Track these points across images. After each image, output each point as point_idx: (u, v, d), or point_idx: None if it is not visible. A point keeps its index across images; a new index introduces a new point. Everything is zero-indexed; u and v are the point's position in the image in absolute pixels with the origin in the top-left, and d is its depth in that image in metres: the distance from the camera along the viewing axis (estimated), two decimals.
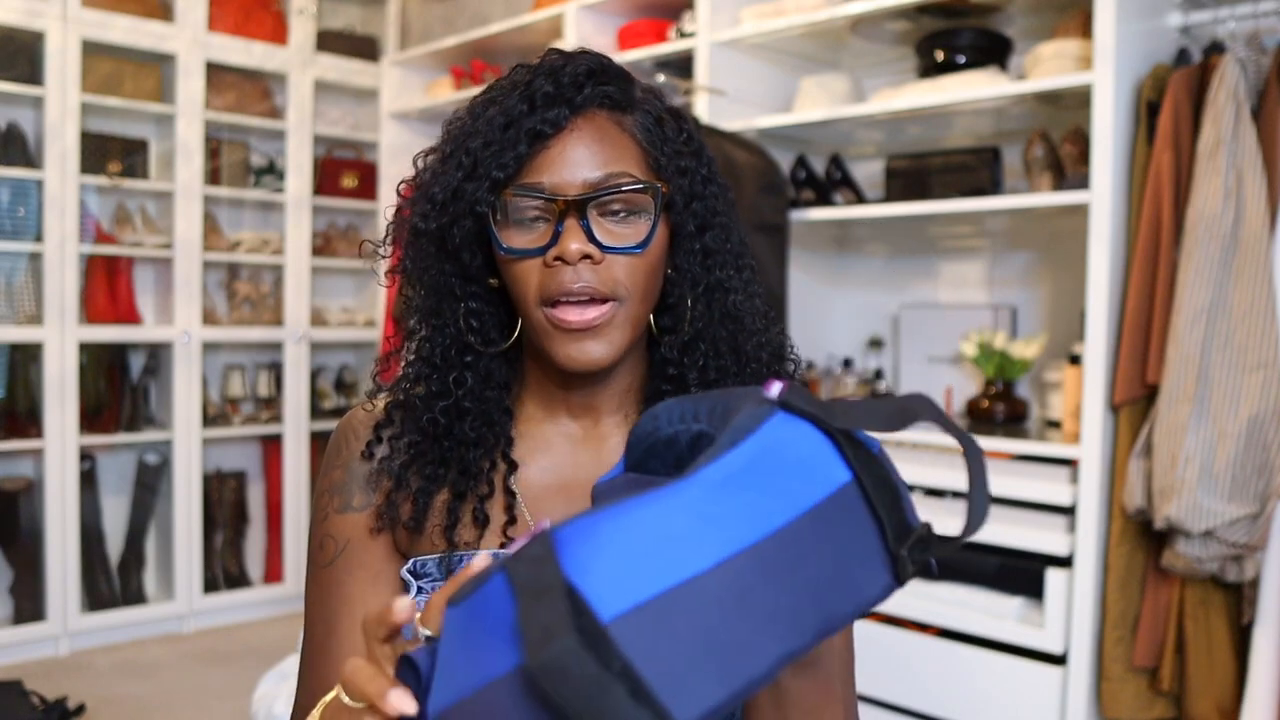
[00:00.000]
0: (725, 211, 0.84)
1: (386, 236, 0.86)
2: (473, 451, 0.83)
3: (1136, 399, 1.98)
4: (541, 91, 0.76)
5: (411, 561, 0.83)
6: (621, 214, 0.78)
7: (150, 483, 3.38)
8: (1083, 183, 2.06)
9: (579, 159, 0.76)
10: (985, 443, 2.15)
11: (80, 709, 2.62)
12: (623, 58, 2.72)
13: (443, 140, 0.82)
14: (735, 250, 0.85)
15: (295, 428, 3.62)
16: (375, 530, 0.84)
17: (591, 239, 0.76)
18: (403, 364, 0.86)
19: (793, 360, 0.89)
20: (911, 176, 2.47)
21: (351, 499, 0.86)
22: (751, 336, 0.84)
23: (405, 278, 0.85)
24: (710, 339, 0.83)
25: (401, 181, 0.87)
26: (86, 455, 3.23)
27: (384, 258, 0.86)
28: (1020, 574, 2.10)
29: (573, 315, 0.77)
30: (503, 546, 0.82)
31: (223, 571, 3.56)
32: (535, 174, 0.76)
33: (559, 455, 0.86)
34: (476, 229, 0.79)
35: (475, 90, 3.30)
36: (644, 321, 0.82)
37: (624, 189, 0.77)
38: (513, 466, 0.85)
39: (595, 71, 0.79)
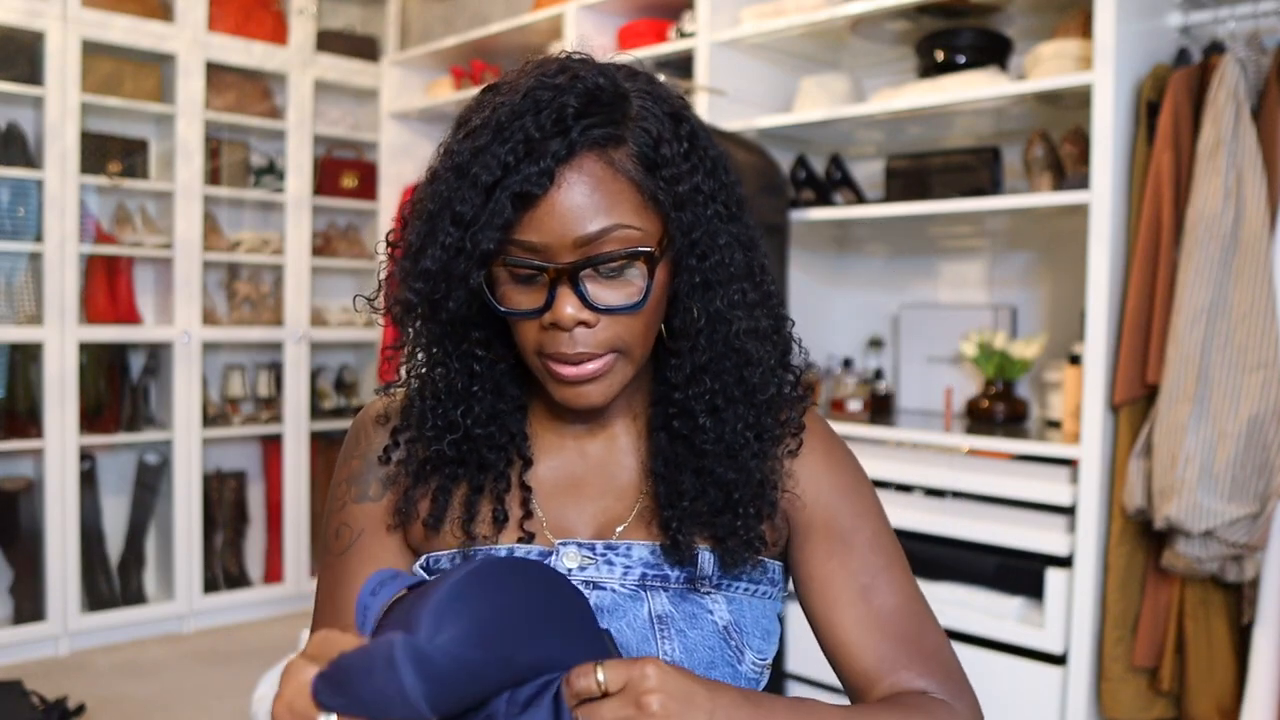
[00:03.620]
0: (728, 229, 0.80)
1: (379, 290, 0.83)
2: (490, 454, 0.83)
3: (1136, 399, 1.98)
4: (524, 140, 0.71)
5: (425, 558, 0.84)
6: (617, 270, 0.75)
7: (150, 483, 3.38)
8: (1083, 183, 2.06)
9: (569, 216, 0.72)
10: (985, 443, 2.15)
11: (80, 709, 2.62)
12: (622, 58, 2.71)
13: (427, 190, 0.77)
14: (740, 273, 0.80)
15: (295, 428, 3.62)
16: (391, 527, 0.85)
17: (585, 303, 0.74)
18: (409, 371, 0.86)
19: (795, 374, 0.87)
20: (911, 176, 2.47)
21: (368, 489, 0.87)
22: (758, 368, 0.81)
23: (403, 330, 0.82)
24: (715, 372, 0.80)
25: (390, 231, 0.83)
26: (86, 455, 3.23)
27: (377, 311, 0.84)
28: (1020, 574, 2.10)
29: (569, 370, 0.76)
30: (520, 541, 0.82)
31: (223, 571, 3.56)
32: (524, 231, 0.73)
33: (569, 453, 0.87)
34: (472, 290, 0.76)
35: (475, 91, 3.30)
36: (645, 358, 0.80)
37: (618, 255, 0.74)
38: (528, 462, 0.85)
39: (583, 109, 0.72)
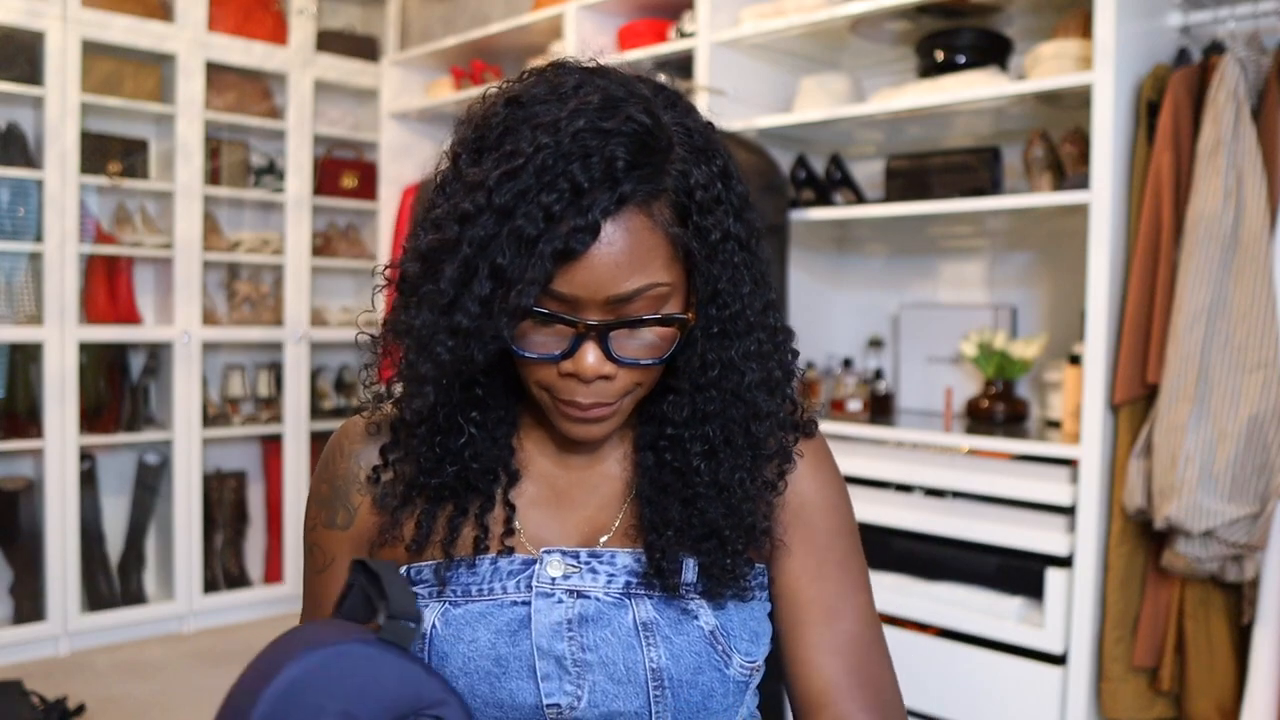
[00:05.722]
0: (750, 274, 0.77)
1: (384, 329, 0.80)
2: (480, 481, 0.83)
3: (1136, 399, 1.98)
4: (571, 188, 0.67)
5: (405, 569, 0.83)
6: (643, 326, 0.74)
7: (150, 483, 3.38)
8: (1083, 183, 2.06)
9: (604, 274, 0.69)
10: (985, 443, 2.15)
11: (80, 709, 2.62)
12: (622, 58, 2.72)
13: (457, 230, 0.70)
14: (758, 322, 0.78)
15: (295, 428, 3.62)
16: (376, 545, 0.85)
17: (609, 357, 0.73)
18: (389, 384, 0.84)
19: (797, 406, 0.86)
20: (911, 176, 2.47)
21: (336, 515, 0.87)
22: (765, 421, 0.79)
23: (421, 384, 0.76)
24: (720, 421, 0.78)
25: (387, 267, 0.79)
26: (86, 455, 3.23)
27: (380, 353, 0.80)
28: (1020, 574, 2.10)
29: (577, 411, 0.76)
30: (500, 554, 0.82)
31: (223, 571, 3.56)
32: (558, 283, 0.69)
33: (555, 464, 0.86)
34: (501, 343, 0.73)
35: (475, 91, 3.30)
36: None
37: (651, 320, 0.73)
38: (514, 478, 0.85)
39: (633, 160, 0.68)
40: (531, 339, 0.73)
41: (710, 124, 0.78)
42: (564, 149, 0.67)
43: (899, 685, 0.86)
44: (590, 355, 0.72)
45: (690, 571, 0.80)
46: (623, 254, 0.69)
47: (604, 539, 0.83)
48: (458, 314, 0.69)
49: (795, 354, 0.85)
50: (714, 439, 0.78)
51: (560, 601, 0.79)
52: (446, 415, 0.80)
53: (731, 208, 0.75)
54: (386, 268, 0.79)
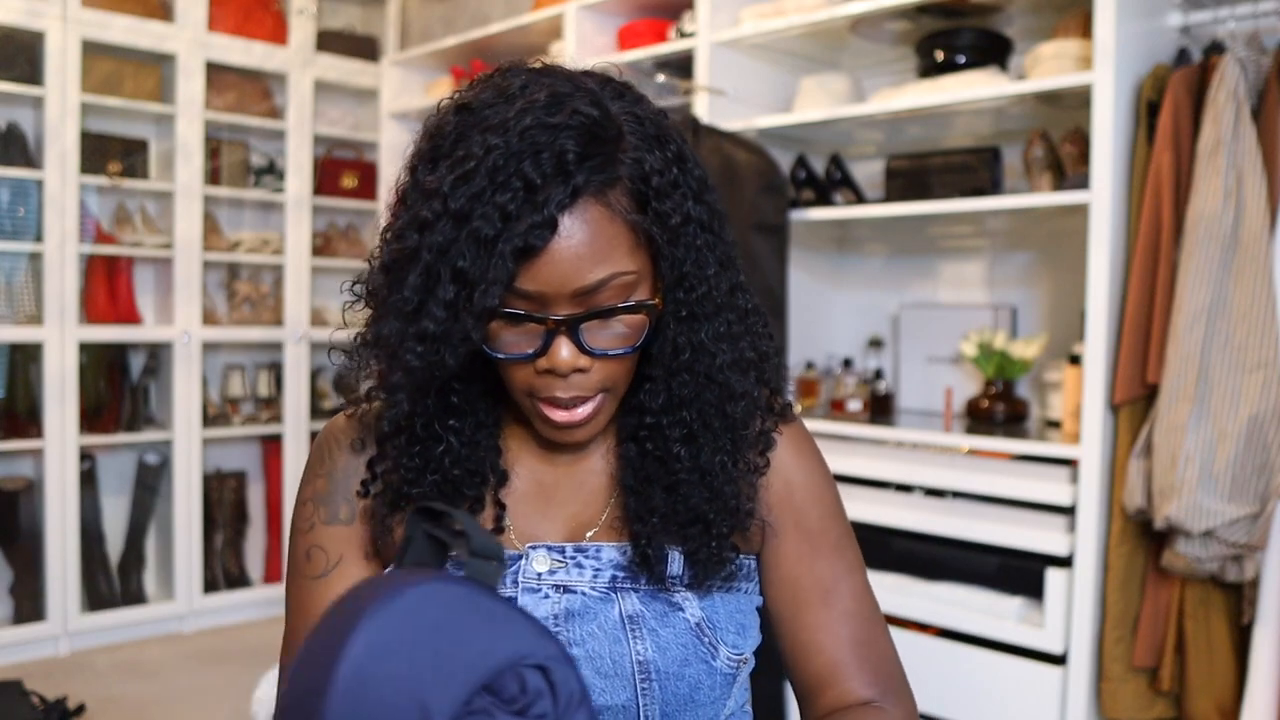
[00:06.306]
0: (714, 255, 0.78)
1: (360, 356, 0.79)
2: (468, 489, 0.83)
3: (1136, 399, 1.98)
4: (524, 186, 0.67)
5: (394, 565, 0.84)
6: (612, 316, 0.74)
7: (150, 483, 3.38)
8: (1083, 183, 2.06)
9: (568, 267, 0.70)
10: (985, 443, 2.15)
11: (80, 709, 2.62)
12: (622, 58, 2.72)
13: (416, 237, 0.70)
14: (725, 303, 0.79)
15: (295, 428, 3.62)
16: (369, 554, 0.84)
17: (582, 350, 0.73)
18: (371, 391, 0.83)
19: (773, 389, 0.86)
20: (911, 176, 2.47)
21: (338, 511, 0.85)
22: (740, 402, 0.80)
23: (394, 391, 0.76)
24: (696, 405, 0.79)
25: (355, 281, 0.79)
26: (86, 455, 3.23)
27: (367, 374, 0.80)
28: (1020, 574, 2.10)
29: (560, 414, 0.76)
30: None
31: (223, 571, 3.56)
32: (522, 280, 0.70)
33: (541, 461, 0.87)
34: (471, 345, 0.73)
35: None
36: (626, 390, 0.80)
37: (617, 309, 0.73)
38: (502, 478, 0.85)
39: (583, 151, 0.69)
40: (504, 339, 0.74)
41: (662, 110, 0.79)
42: (514, 148, 0.68)
43: (900, 660, 0.88)
44: (564, 350, 0.73)
45: (676, 564, 0.81)
46: (583, 246, 0.70)
47: (590, 533, 0.83)
48: (424, 320, 0.70)
49: (770, 336, 0.85)
50: (692, 424, 0.79)
51: (546, 597, 0.80)
52: (424, 425, 0.80)
53: (690, 191, 0.76)
54: (354, 282, 0.80)
